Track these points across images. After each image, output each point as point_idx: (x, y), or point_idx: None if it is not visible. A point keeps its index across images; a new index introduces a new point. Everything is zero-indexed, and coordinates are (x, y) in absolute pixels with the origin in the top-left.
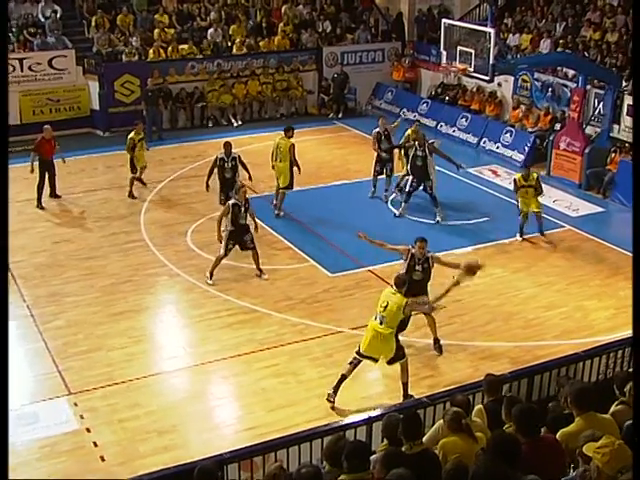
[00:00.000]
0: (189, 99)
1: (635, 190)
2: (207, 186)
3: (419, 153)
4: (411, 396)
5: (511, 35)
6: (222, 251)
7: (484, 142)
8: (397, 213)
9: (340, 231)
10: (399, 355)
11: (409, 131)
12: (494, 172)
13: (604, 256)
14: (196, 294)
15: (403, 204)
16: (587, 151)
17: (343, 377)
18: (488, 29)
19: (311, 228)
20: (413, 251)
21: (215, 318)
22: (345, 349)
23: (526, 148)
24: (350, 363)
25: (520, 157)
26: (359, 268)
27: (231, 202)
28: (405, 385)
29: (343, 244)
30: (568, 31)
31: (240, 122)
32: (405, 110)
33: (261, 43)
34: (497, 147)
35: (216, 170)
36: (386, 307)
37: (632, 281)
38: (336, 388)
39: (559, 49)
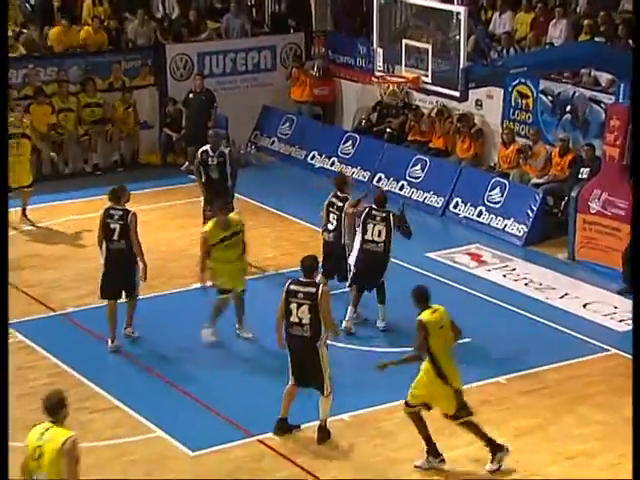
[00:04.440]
0: None
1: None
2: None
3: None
4: None
5: (497, 15)
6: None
7: (456, 205)
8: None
9: (209, 372)
10: None
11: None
12: (475, 257)
13: None
14: None
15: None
16: None
17: None
18: (455, 7)
19: (157, 370)
20: None
21: None
22: None
23: (530, 213)
24: None
25: (520, 230)
26: (244, 439)
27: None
28: None
29: (214, 396)
30: (598, 4)
31: None
32: (316, 153)
33: (51, 36)
34: (479, 213)
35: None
36: (40, 458)
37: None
38: None
39: (582, 37)
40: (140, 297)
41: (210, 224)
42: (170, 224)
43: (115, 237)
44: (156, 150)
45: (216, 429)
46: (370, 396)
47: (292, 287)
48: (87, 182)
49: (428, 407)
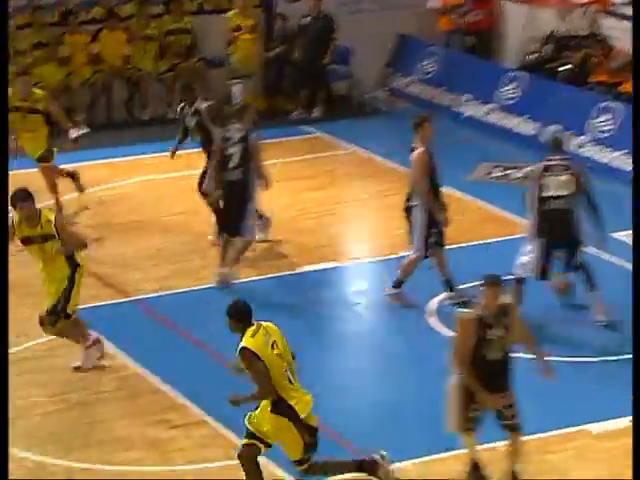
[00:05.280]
0: None
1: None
2: None
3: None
4: None
5: None
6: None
7: None
8: None
9: (322, 379)
10: None
11: None
12: None
13: None
14: None
15: None
16: None
17: None
18: None
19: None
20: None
21: None
22: None
23: None
24: None
25: None
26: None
27: None
28: None
29: (327, 410)
30: None
31: (85, 130)
32: (467, 98)
33: None
34: None
35: None
36: None
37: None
38: None
39: None
40: (237, 281)
41: (17, 214)
42: (278, 189)
43: (231, 165)
44: (258, 91)
45: (327, 451)
46: (537, 420)
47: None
48: (169, 131)
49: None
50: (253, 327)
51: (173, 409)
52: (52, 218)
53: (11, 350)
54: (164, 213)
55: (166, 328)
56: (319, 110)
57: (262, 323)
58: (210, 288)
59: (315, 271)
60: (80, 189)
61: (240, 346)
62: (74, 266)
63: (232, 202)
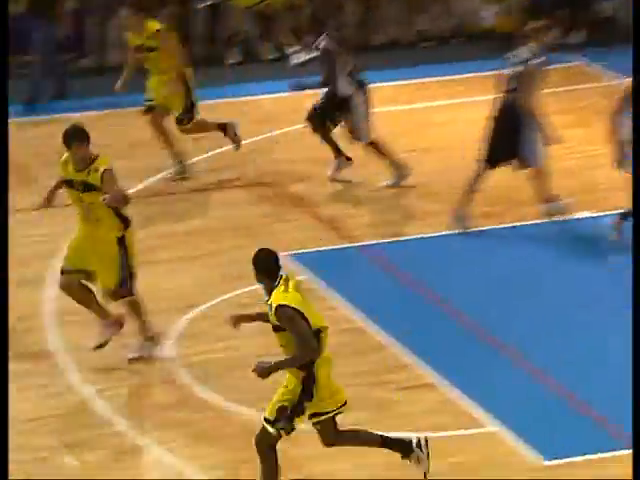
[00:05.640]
0: None
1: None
2: None
3: None
4: None
5: None
6: None
7: None
8: None
9: (582, 352)
10: None
11: None
12: None
13: None
14: None
15: None
16: None
17: None
18: None
19: (496, 336)
20: None
21: None
22: None
23: None
24: None
25: None
26: (616, 450)
27: None
28: None
29: (584, 383)
30: None
31: (313, 53)
32: None
33: None
34: None
35: None
36: None
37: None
38: None
39: None
40: (474, 229)
41: (68, 153)
42: None
43: (507, 87)
44: (511, 12)
45: (585, 431)
46: None
47: None
48: (405, 57)
49: None
50: (282, 280)
51: (399, 369)
52: (102, 168)
53: (221, 297)
54: (396, 150)
55: (393, 278)
56: (580, 34)
57: (289, 276)
58: (442, 235)
59: (573, 220)
60: (235, 142)
61: (275, 304)
62: (123, 227)
63: (504, 128)
